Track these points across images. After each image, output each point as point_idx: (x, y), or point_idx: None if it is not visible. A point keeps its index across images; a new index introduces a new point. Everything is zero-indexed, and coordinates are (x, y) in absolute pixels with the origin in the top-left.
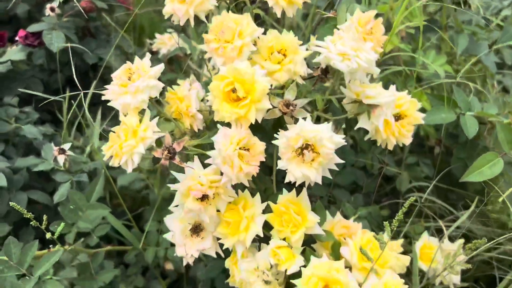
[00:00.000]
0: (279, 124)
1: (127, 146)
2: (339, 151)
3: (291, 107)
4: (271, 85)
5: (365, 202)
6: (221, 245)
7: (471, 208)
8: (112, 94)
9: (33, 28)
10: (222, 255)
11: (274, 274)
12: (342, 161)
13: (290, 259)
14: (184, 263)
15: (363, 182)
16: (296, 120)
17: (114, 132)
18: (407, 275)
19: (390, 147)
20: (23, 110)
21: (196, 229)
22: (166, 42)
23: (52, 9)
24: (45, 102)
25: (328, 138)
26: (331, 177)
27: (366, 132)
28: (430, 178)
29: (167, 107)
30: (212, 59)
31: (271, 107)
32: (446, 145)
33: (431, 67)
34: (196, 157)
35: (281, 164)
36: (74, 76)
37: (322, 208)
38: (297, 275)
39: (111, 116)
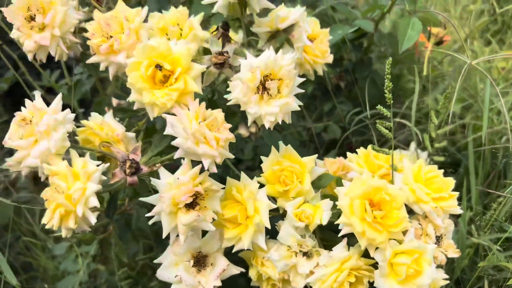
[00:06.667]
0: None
1: (76, 192)
2: None
3: (225, 54)
4: None
5: None
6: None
7: None
8: (20, 151)
9: None
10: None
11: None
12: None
13: (317, 210)
14: None
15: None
16: (235, 70)
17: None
18: None
19: (320, 72)
20: None
21: (199, 261)
22: None
23: None
24: None
25: (280, 57)
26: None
27: None
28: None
29: (90, 146)
30: (109, 68)
31: (204, 67)
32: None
33: None
34: (160, 166)
35: (252, 111)
36: None
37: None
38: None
39: None
